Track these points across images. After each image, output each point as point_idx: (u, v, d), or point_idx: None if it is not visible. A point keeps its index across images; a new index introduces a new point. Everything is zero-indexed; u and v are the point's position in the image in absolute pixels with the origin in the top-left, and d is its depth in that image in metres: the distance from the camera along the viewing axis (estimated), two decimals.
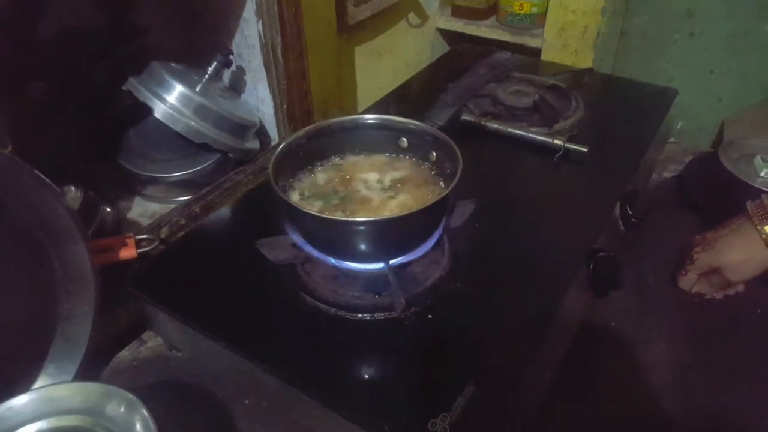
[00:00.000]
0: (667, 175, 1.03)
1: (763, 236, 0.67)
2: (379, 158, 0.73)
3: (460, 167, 0.60)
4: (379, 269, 0.63)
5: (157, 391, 0.66)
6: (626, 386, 0.68)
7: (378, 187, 0.69)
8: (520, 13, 1.38)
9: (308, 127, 0.70)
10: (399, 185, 0.69)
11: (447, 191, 0.59)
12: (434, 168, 0.70)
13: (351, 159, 0.73)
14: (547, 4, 1.34)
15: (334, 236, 0.61)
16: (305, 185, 0.69)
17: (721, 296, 0.76)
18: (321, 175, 0.71)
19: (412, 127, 0.70)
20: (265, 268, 0.66)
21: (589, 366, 0.69)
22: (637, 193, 0.84)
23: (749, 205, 0.70)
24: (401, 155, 0.72)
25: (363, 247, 0.60)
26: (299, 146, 0.69)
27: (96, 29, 0.92)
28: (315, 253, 0.64)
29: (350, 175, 0.71)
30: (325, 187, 0.69)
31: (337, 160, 0.73)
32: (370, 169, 0.71)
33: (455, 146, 0.63)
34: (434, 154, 0.69)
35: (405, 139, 0.71)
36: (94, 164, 0.92)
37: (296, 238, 0.64)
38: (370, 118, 0.72)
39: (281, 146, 0.66)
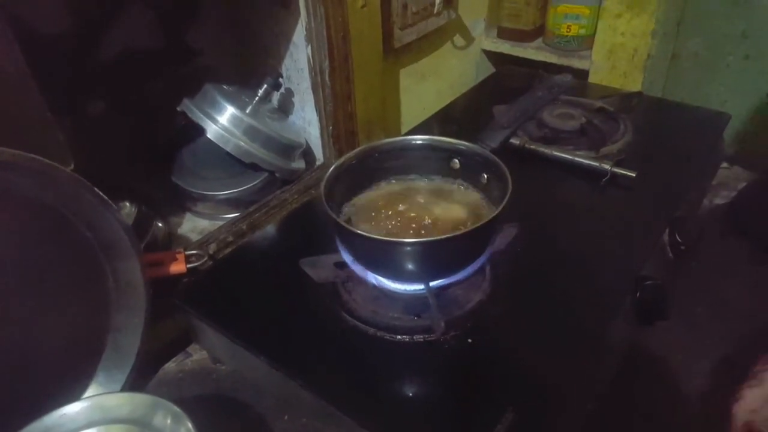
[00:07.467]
0: (718, 201, 1.00)
1: None
2: (430, 180, 0.73)
3: (509, 192, 0.60)
4: (420, 291, 0.63)
5: (200, 403, 0.68)
6: (673, 420, 0.66)
7: (427, 209, 0.69)
8: (567, 35, 1.36)
9: (359, 148, 0.71)
10: (447, 208, 0.69)
11: (494, 214, 0.59)
12: (484, 190, 0.69)
13: (402, 180, 0.73)
14: (596, 25, 1.32)
15: (380, 256, 0.62)
16: (356, 206, 0.70)
17: None
18: (372, 196, 0.71)
19: (463, 148, 0.70)
20: (308, 287, 0.67)
21: (634, 398, 0.67)
22: (687, 219, 0.82)
23: None
24: (452, 177, 0.72)
25: (409, 267, 0.60)
26: (350, 167, 0.69)
27: (153, 52, 0.96)
28: (361, 271, 0.64)
29: (400, 196, 0.71)
30: (375, 209, 0.69)
31: (388, 181, 0.73)
32: (420, 191, 0.72)
33: (506, 170, 0.63)
34: (485, 176, 0.69)
35: (457, 161, 0.71)
36: (148, 181, 0.96)
37: (346, 257, 0.65)
38: (421, 138, 0.72)
39: (332, 167, 0.66)
